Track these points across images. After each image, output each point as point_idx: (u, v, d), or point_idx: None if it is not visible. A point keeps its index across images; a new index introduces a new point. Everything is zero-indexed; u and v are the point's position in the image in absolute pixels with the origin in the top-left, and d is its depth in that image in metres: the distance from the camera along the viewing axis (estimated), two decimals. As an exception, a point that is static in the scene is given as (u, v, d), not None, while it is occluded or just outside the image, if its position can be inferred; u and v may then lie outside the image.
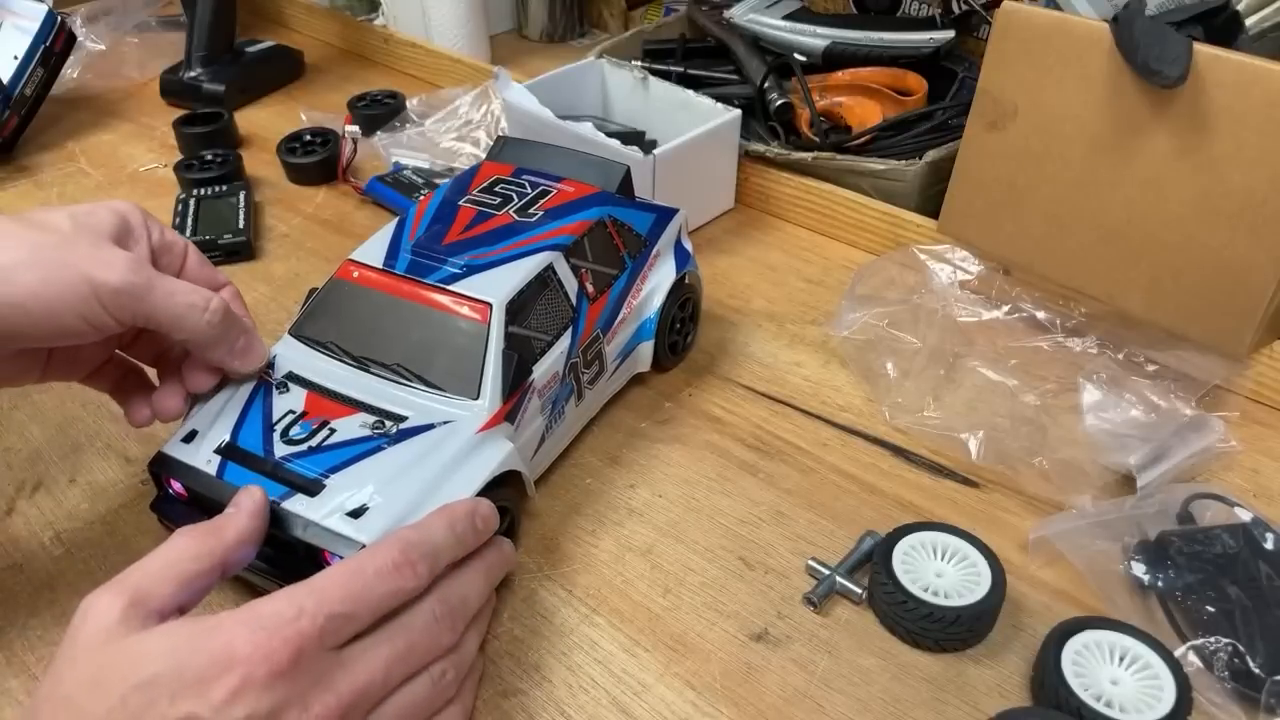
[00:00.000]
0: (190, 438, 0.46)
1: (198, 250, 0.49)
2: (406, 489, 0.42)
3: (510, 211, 0.54)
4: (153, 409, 0.48)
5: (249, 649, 0.32)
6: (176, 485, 0.45)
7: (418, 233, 0.52)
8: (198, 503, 0.45)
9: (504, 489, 0.47)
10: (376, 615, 0.36)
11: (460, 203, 0.55)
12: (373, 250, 0.51)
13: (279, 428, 0.45)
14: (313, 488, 0.42)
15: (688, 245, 0.60)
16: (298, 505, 0.42)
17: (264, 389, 0.47)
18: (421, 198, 0.57)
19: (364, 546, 0.40)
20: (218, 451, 0.44)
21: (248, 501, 0.40)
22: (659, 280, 0.58)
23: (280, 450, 0.44)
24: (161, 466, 0.45)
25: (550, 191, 0.56)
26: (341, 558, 0.40)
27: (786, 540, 0.51)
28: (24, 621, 0.47)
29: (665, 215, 0.59)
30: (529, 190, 0.56)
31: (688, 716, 0.43)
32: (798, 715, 0.43)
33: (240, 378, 0.48)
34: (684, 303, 0.60)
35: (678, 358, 0.62)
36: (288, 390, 0.47)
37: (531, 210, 0.54)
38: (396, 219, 0.54)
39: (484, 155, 0.85)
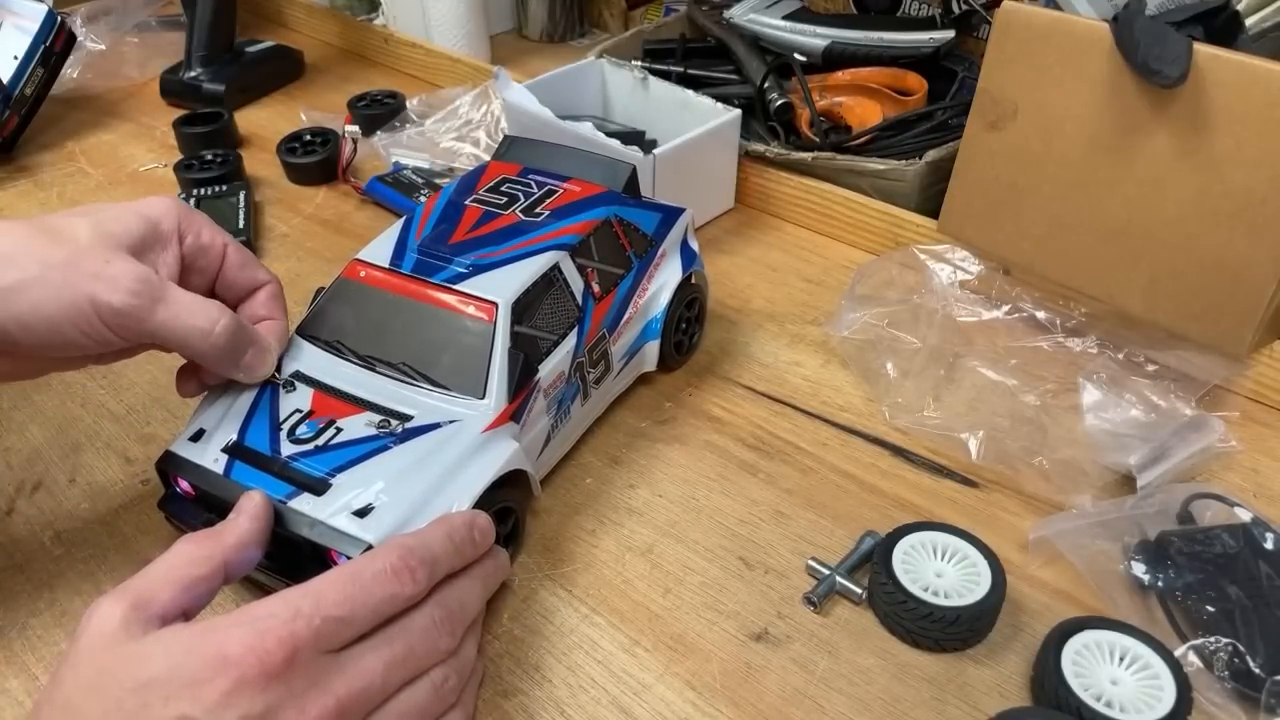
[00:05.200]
0: (198, 437, 0.46)
1: (241, 249, 0.48)
2: (412, 488, 0.42)
3: (516, 211, 0.54)
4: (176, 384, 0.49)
5: (242, 650, 0.32)
6: (184, 484, 0.45)
7: (424, 232, 0.52)
8: (205, 501, 0.45)
9: (509, 489, 0.47)
10: (374, 620, 0.36)
11: (466, 202, 0.55)
12: (379, 249, 0.51)
13: (286, 427, 0.45)
14: (319, 487, 0.42)
15: (694, 245, 0.60)
16: (304, 504, 0.42)
17: (271, 388, 0.47)
18: (428, 197, 0.57)
19: (370, 546, 0.40)
20: (225, 450, 0.45)
21: (249, 505, 0.40)
22: (665, 280, 0.58)
23: (287, 449, 0.44)
24: (169, 465, 0.45)
25: (556, 191, 0.56)
26: (348, 557, 0.40)
27: (786, 540, 0.51)
28: (24, 621, 0.47)
29: (672, 214, 0.59)
30: (535, 190, 0.56)
31: (688, 716, 0.43)
32: (798, 715, 0.43)
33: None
34: (690, 302, 0.60)
35: (683, 357, 0.62)
36: (294, 389, 0.47)
37: (537, 210, 0.54)
38: (403, 218, 0.54)
39: (484, 155, 0.85)
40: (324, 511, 0.42)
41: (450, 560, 0.39)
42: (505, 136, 0.63)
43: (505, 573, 0.45)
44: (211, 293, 0.48)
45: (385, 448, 0.44)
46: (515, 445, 0.47)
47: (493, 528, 0.42)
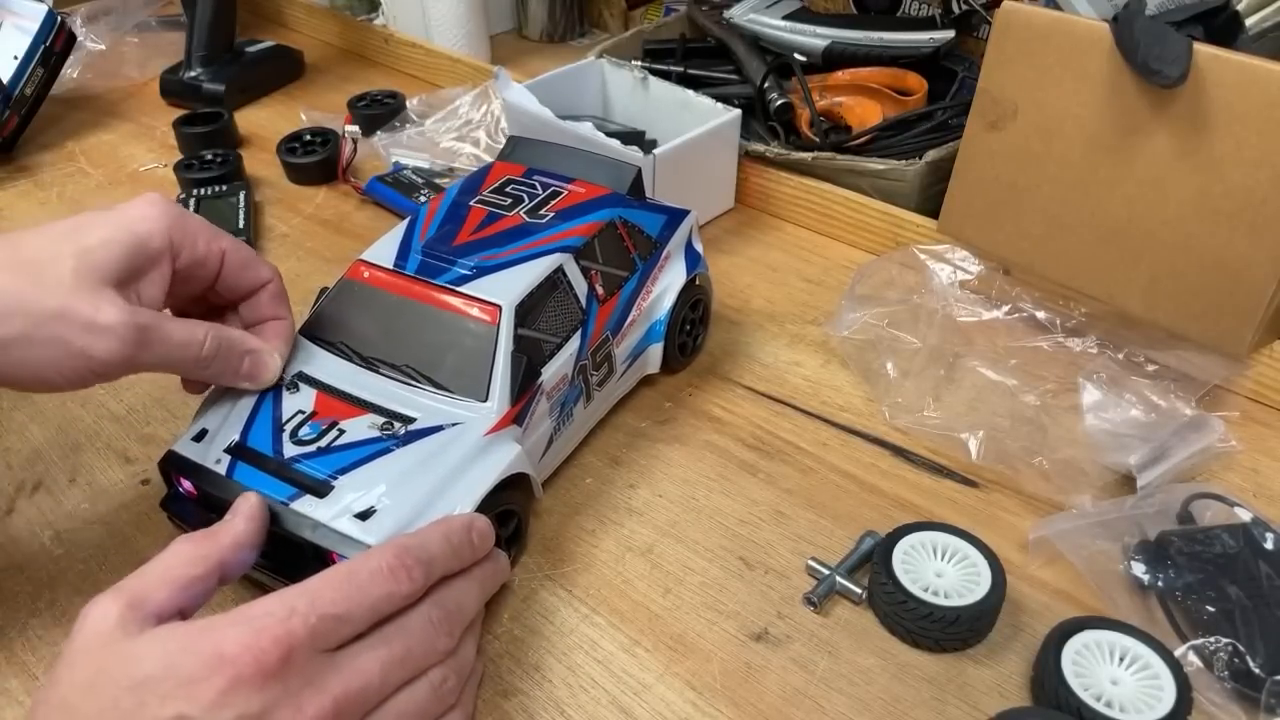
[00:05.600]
0: (200, 437, 0.46)
1: (240, 249, 0.47)
2: (414, 491, 0.42)
3: (521, 213, 0.54)
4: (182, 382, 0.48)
5: (238, 649, 0.32)
6: (186, 484, 0.45)
7: (428, 233, 0.52)
8: (207, 502, 0.45)
9: (511, 491, 0.47)
10: (371, 618, 0.36)
11: (471, 203, 0.55)
12: (383, 250, 0.51)
13: (288, 428, 0.45)
14: (321, 489, 0.42)
15: (698, 246, 0.60)
16: (306, 506, 0.42)
17: (274, 388, 0.47)
18: (433, 197, 0.57)
19: (370, 548, 0.40)
20: (228, 451, 0.45)
21: (245, 506, 0.40)
22: (669, 282, 0.58)
23: (289, 450, 0.44)
24: (172, 465, 0.45)
25: (561, 192, 0.56)
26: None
27: (786, 540, 0.51)
28: (24, 621, 0.47)
29: (676, 216, 0.59)
30: (540, 191, 0.56)
31: (688, 716, 0.43)
32: (798, 715, 0.43)
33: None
34: (694, 304, 0.60)
35: (687, 359, 0.62)
36: (298, 390, 0.47)
37: (542, 211, 0.54)
38: (407, 219, 0.54)
39: (484, 155, 0.85)
40: (326, 514, 0.42)
41: (448, 561, 0.39)
42: (510, 137, 0.63)
43: (504, 576, 0.44)
44: (210, 291, 0.48)
45: (388, 450, 0.44)
46: (518, 448, 0.47)
47: (492, 531, 0.42)
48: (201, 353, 0.44)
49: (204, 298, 0.48)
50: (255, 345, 0.46)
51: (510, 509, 0.47)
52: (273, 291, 0.49)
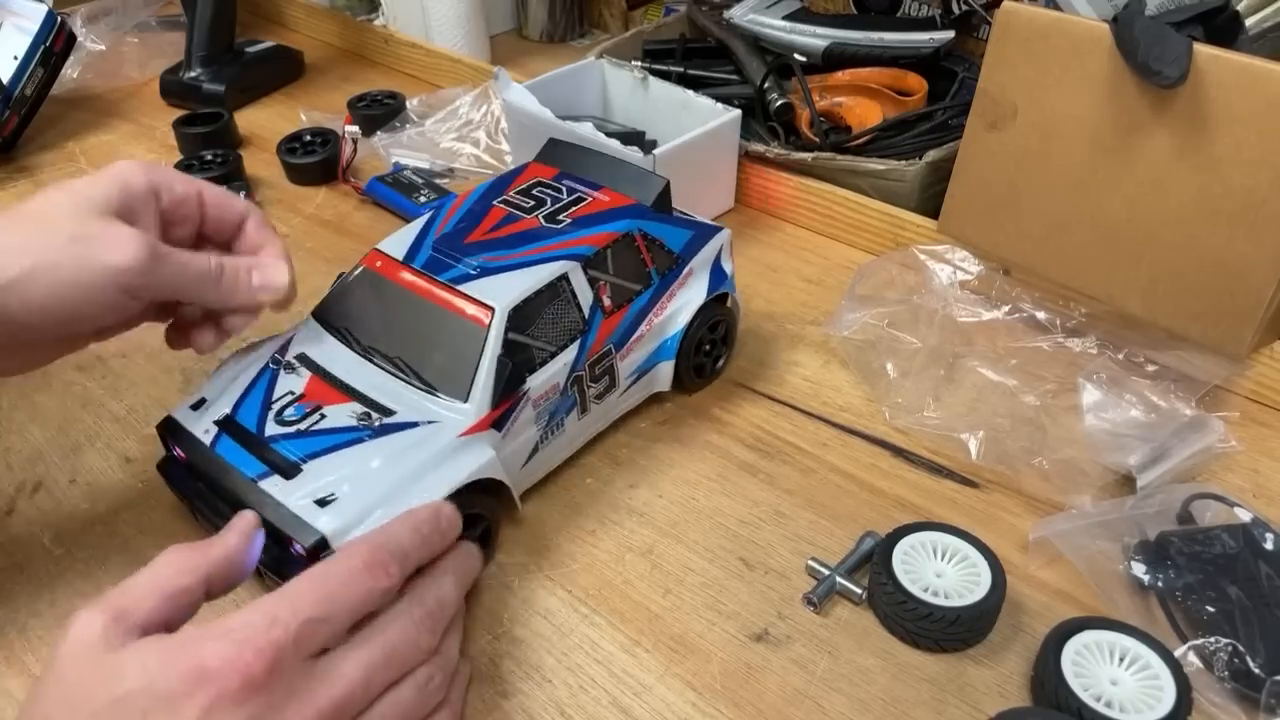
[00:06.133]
0: (199, 405, 0.47)
1: (213, 188, 0.48)
2: (377, 484, 0.43)
3: (539, 216, 0.53)
4: (191, 344, 0.49)
5: (219, 663, 0.32)
6: (178, 450, 0.46)
7: (445, 229, 0.52)
8: (194, 470, 0.46)
9: (482, 496, 0.46)
10: (351, 617, 0.36)
11: (495, 202, 0.54)
12: (399, 242, 0.51)
13: (275, 407, 0.46)
14: (290, 470, 0.43)
15: (727, 266, 0.59)
16: (272, 486, 0.42)
17: (272, 368, 0.48)
18: (461, 192, 0.56)
19: (323, 537, 0.40)
20: (217, 423, 0.45)
21: (239, 523, 0.40)
22: (688, 299, 0.56)
23: (270, 429, 0.45)
24: (167, 430, 0.46)
25: (585, 199, 0.55)
26: (301, 545, 0.40)
27: (786, 540, 0.51)
28: (24, 622, 0.47)
29: (705, 233, 0.57)
30: (564, 196, 0.55)
31: (688, 717, 0.43)
32: (798, 715, 0.43)
33: (282, 306, 0.48)
34: (715, 325, 0.59)
35: (704, 381, 0.60)
36: (294, 370, 0.48)
37: (560, 217, 0.53)
38: (430, 212, 0.54)
39: (484, 156, 0.85)
40: (289, 496, 0.42)
41: (419, 553, 0.39)
42: (550, 139, 0.61)
43: (477, 567, 0.44)
44: (201, 235, 0.48)
45: (360, 440, 0.44)
46: (490, 454, 0.46)
47: (459, 517, 0.42)
48: (210, 268, 0.45)
49: (199, 244, 0.49)
50: (257, 260, 0.47)
51: (478, 513, 0.47)
52: (256, 222, 0.49)
